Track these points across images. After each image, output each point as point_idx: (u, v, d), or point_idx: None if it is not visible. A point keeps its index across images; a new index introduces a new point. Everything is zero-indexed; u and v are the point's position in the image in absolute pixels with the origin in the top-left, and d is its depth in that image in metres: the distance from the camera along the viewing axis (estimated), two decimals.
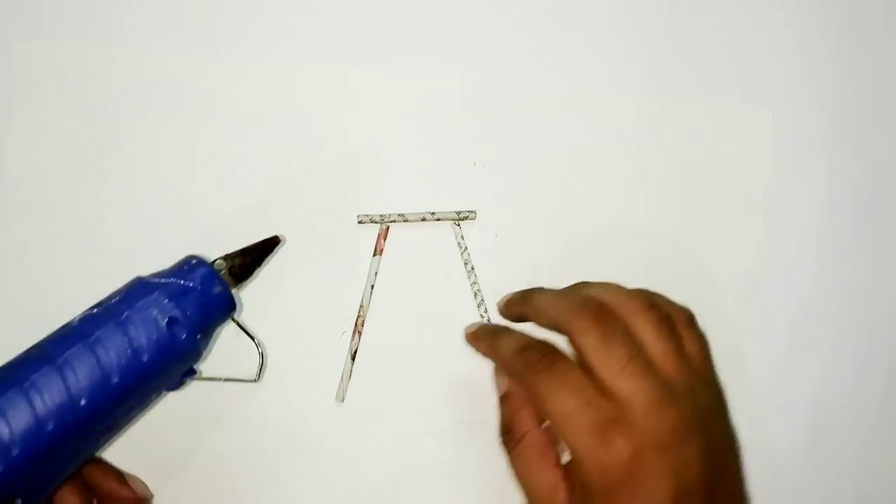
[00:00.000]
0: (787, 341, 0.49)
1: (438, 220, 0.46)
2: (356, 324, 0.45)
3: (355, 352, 0.45)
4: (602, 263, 0.48)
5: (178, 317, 0.34)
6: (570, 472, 0.35)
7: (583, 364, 0.35)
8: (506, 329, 0.40)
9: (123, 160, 0.46)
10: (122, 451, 0.41)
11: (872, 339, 0.50)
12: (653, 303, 0.36)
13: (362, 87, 0.47)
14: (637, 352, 0.34)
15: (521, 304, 0.41)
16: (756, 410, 0.48)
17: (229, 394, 0.45)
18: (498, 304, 0.44)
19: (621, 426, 0.32)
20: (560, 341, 0.37)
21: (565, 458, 0.35)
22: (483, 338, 0.41)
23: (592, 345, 0.34)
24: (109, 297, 0.34)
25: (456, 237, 0.47)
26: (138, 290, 0.34)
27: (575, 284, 0.40)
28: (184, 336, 0.34)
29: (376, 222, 0.46)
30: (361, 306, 0.45)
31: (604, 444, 0.32)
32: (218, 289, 0.36)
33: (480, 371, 0.44)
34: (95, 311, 0.33)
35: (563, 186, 0.48)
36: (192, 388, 0.43)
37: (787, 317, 0.49)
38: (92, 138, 0.46)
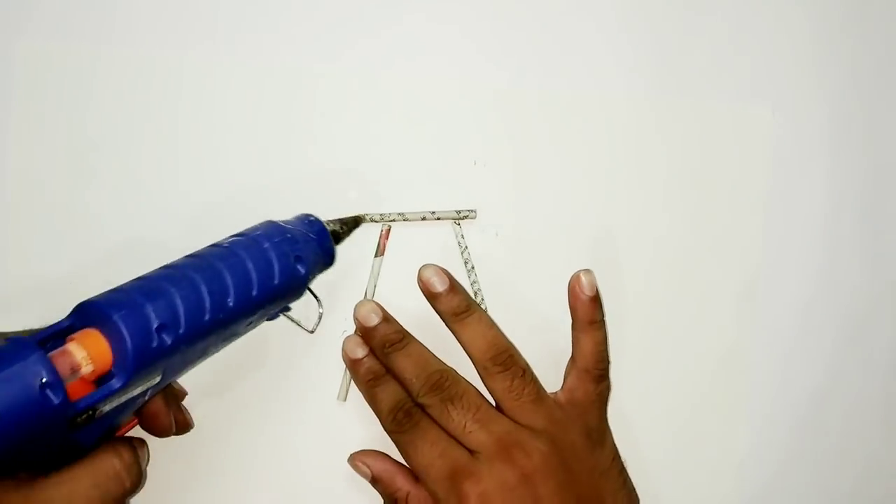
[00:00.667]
0: (787, 341, 0.50)
1: (439, 219, 0.46)
2: None
3: None
4: (602, 263, 0.48)
5: (302, 255, 0.40)
6: None
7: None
8: (383, 380, 0.41)
9: (122, 158, 0.46)
10: None
11: (872, 338, 0.50)
12: (509, 354, 0.41)
13: (363, 86, 0.47)
14: (477, 406, 0.39)
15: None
16: (756, 410, 0.48)
17: (232, 391, 0.45)
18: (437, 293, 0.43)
19: (468, 472, 0.37)
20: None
21: None
22: (363, 377, 0.42)
23: (438, 410, 0.40)
24: (250, 230, 0.40)
25: (456, 236, 0.47)
26: (274, 229, 0.40)
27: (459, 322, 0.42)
28: (304, 272, 0.40)
29: (376, 221, 0.46)
30: None
31: (455, 489, 0.37)
32: (328, 243, 0.43)
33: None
34: (241, 238, 0.39)
35: (564, 185, 0.48)
36: (197, 384, 0.43)
37: (788, 316, 0.49)
38: (91, 136, 0.46)
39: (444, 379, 0.40)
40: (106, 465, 0.33)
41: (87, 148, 0.46)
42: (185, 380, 0.41)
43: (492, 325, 0.41)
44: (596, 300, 0.42)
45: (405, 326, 0.46)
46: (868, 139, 0.50)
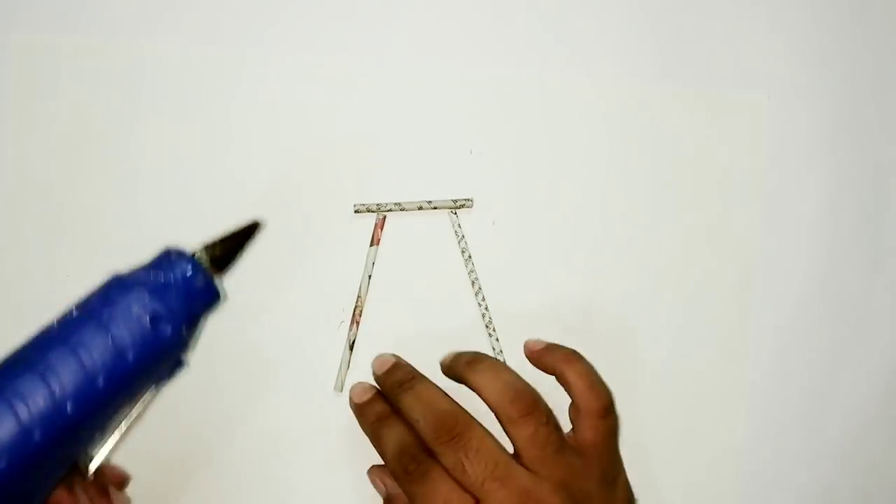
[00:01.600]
0: (785, 335, 0.49)
1: (435, 208, 0.46)
2: (354, 314, 0.45)
3: (353, 342, 0.45)
4: (598, 251, 0.48)
5: (161, 312, 0.32)
6: None
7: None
8: (389, 421, 0.38)
9: (118, 151, 0.46)
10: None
11: (872, 334, 0.49)
12: (535, 404, 0.37)
13: (358, 76, 0.47)
14: (494, 464, 0.36)
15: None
16: (755, 409, 0.48)
17: (227, 382, 0.45)
18: (442, 362, 0.41)
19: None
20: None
21: None
22: (368, 419, 0.39)
23: (452, 463, 0.36)
24: (88, 297, 0.33)
25: (453, 225, 0.46)
26: (116, 288, 0.32)
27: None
28: (169, 331, 0.32)
29: (373, 211, 0.46)
30: (359, 296, 0.45)
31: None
32: (200, 280, 0.34)
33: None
34: (75, 313, 0.32)
35: (560, 174, 0.48)
36: (192, 376, 0.43)
37: (786, 308, 0.49)
38: (86, 129, 0.46)
39: (456, 423, 0.36)
40: None
41: (83, 140, 0.46)
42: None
43: (506, 367, 0.39)
44: (550, 346, 0.39)
45: (402, 316, 0.46)
46: (867, 127, 0.50)
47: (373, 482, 0.40)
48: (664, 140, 0.49)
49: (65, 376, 0.30)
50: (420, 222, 0.47)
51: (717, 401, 0.48)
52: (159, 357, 0.33)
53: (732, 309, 0.48)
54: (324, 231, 0.46)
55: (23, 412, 0.29)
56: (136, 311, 0.32)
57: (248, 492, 0.45)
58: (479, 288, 0.46)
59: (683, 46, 0.49)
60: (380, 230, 0.46)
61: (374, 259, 0.46)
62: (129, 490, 0.39)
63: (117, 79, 0.46)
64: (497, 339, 0.46)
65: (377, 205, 0.46)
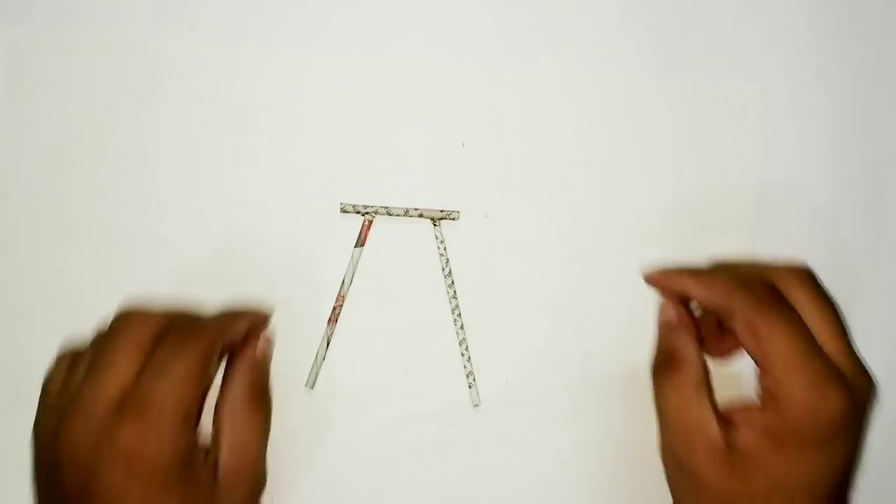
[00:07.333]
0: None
1: (421, 215, 0.46)
2: (333, 311, 0.46)
3: (330, 340, 0.45)
4: (591, 246, 0.48)
5: None
6: (746, 416, 0.35)
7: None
8: (703, 266, 0.37)
9: (107, 149, 0.45)
10: None
11: (872, 331, 0.49)
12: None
13: (348, 68, 0.47)
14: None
15: (682, 277, 0.38)
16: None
17: None
18: (649, 273, 0.39)
19: (843, 383, 0.34)
20: None
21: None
22: (677, 273, 0.37)
23: (821, 314, 0.36)
24: None
25: (437, 239, 0.46)
26: None
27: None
28: None
29: (359, 213, 0.46)
30: (341, 294, 0.46)
31: (821, 393, 0.34)
32: None
33: (451, 363, 0.45)
34: None
35: (551, 168, 0.48)
36: None
37: None
38: (77, 127, 0.45)
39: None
40: None
41: (75, 138, 0.45)
42: None
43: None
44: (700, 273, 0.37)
45: (379, 318, 0.46)
46: (861, 119, 0.50)
47: (663, 310, 0.38)
48: (655, 132, 0.48)
49: None
50: (406, 227, 0.46)
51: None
52: None
53: None
54: (308, 229, 0.46)
55: None
56: None
57: None
58: (455, 294, 0.46)
59: (673, 37, 0.49)
60: (367, 231, 0.46)
61: (358, 259, 0.46)
62: None
63: (104, 74, 0.46)
64: (469, 360, 0.47)
65: (364, 206, 0.46)
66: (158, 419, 0.32)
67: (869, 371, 0.37)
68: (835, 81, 0.50)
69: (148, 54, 0.46)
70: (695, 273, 0.37)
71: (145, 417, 0.31)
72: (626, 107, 0.48)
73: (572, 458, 0.47)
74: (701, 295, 0.37)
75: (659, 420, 0.37)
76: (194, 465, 0.33)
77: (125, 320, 0.34)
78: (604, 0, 0.48)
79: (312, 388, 0.45)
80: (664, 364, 0.38)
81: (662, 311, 0.39)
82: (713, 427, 0.35)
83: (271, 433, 0.41)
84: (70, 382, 0.33)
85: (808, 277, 0.36)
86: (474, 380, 0.46)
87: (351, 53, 0.47)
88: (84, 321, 0.45)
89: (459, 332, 0.46)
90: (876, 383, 0.37)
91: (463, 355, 0.46)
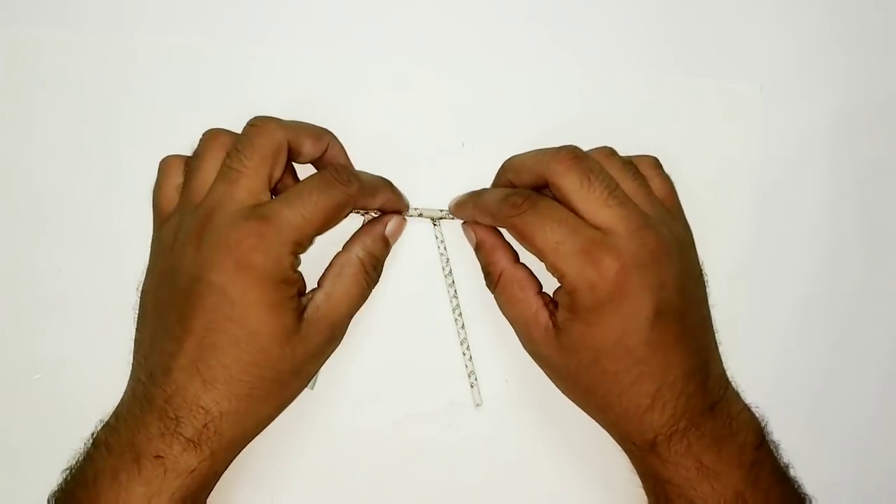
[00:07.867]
0: (782, 330, 0.49)
1: (421, 215, 0.46)
2: None
3: None
4: None
5: None
6: (557, 298, 0.39)
7: (566, 203, 0.39)
8: (485, 189, 0.43)
9: (108, 149, 0.46)
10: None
11: (872, 329, 0.50)
12: (615, 151, 0.41)
13: (347, 71, 0.47)
14: (615, 186, 0.38)
15: (467, 205, 0.44)
16: (753, 408, 0.49)
17: None
18: (450, 207, 0.45)
19: (607, 248, 0.37)
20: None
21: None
22: (467, 201, 0.43)
23: (574, 184, 0.38)
24: None
25: (436, 237, 0.46)
26: None
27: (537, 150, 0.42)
28: None
29: (359, 212, 0.46)
30: None
31: (592, 264, 0.37)
32: None
33: (452, 362, 0.46)
34: None
35: None
36: None
37: (782, 307, 0.49)
38: (77, 127, 0.46)
39: (580, 154, 0.39)
40: None
41: (73, 137, 0.46)
42: None
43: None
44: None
45: (380, 318, 0.46)
46: (863, 118, 0.50)
47: (464, 230, 0.45)
48: (655, 131, 0.48)
49: None
50: (406, 228, 0.46)
51: None
52: None
53: (726, 305, 0.46)
54: None
55: None
56: None
57: (219, 491, 0.45)
58: (456, 294, 0.46)
59: (673, 37, 0.49)
60: None
61: None
62: None
63: (104, 74, 0.46)
64: (470, 359, 0.46)
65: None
66: (275, 235, 0.36)
67: (682, 216, 0.42)
68: (835, 81, 0.50)
69: (148, 54, 0.46)
70: (473, 198, 0.43)
71: (265, 230, 0.36)
72: (625, 106, 0.48)
73: (573, 458, 0.47)
74: (481, 218, 0.43)
75: (513, 329, 0.42)
76: (289, 290, 0.37)
77: (261, 132, 0.39)
78: (604, 0, 0.48)
79: (313, 388, 0.45)
80: (488, 280, 0.43)
81: (468, 237, 0.45)
82: (542, 315, 0.40)
83: (271, 433, 0.42)
84: (193, 187, 0.38)
85: (571, 154, 0.39)
86: (476, 380, 0.46)
87: (351, 53, 0.47)
88: (84, 321, 0.45)
89: (460, 331, 0.46)
90: (686, 229, 0.42)
91: (464, 355, 0.46)
